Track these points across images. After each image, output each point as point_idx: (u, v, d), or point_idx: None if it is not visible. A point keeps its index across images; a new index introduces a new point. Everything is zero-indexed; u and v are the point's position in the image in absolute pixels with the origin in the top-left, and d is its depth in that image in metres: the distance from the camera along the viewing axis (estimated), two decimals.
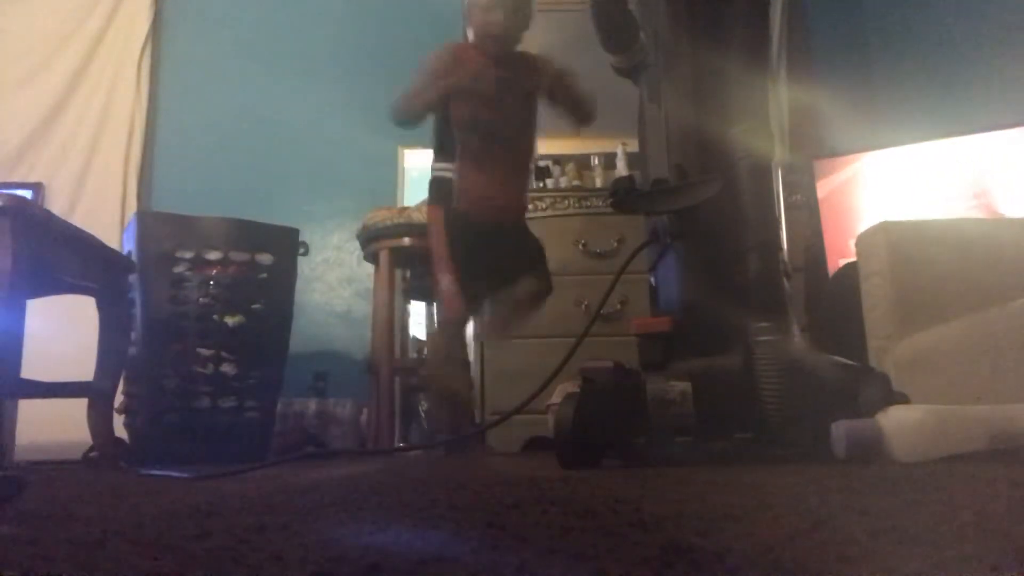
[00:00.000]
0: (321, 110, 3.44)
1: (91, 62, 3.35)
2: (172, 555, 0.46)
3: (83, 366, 1.91)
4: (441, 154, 1.98)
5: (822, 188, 2.63)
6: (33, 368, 1.65)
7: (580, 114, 2.03)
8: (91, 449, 1.98)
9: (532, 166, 2.02)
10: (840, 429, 1.10)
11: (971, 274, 1.61)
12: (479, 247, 1.89)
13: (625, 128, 2.50)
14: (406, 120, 1.98)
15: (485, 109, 1.90)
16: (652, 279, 1.48)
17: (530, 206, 2.67)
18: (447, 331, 2.00)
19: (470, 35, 2.05)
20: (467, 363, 2.11)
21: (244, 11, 3.55)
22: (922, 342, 1.56)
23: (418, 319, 3.02)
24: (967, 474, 0.85)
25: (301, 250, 2.38)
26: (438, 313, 2.16)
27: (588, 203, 2.74)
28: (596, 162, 3.07)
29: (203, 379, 2.16)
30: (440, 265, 1.92)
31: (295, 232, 2.38)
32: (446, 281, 1.91)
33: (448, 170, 1.95)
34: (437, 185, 1.97)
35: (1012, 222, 2.02)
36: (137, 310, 2.12)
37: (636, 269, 1.45)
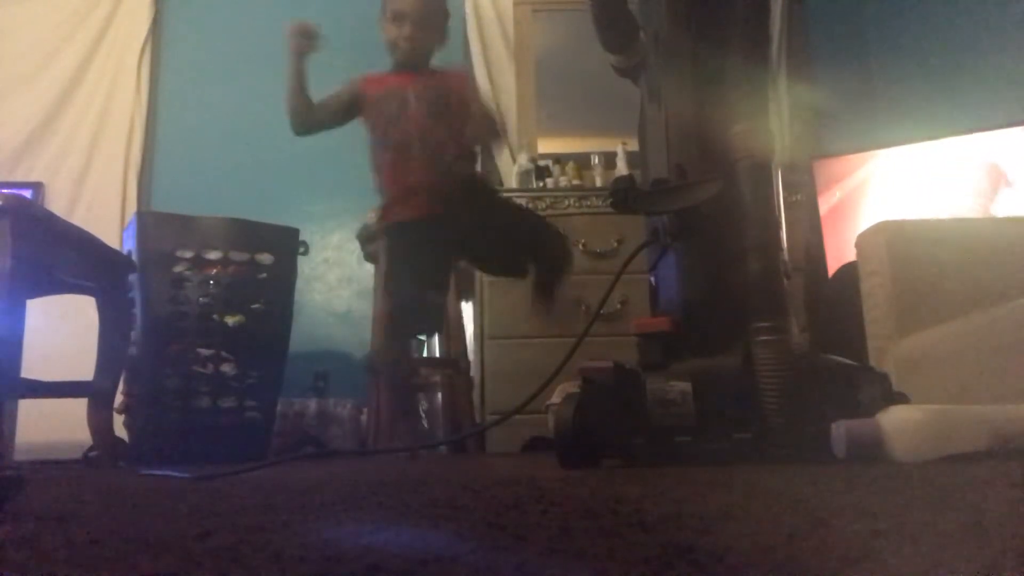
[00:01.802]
0: None
1: (91, 62, 3.35)
2: (172, 555, 0.46)
3: (83, 366, 1.91)
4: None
5: (822, 188, 2.63)
6: (33, 368, 1.66)
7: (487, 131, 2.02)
8: (91, 449, 1.98)
9: (462, 160, 1.93)
10: (840, 429, 1.10)
11: (971, 274, 1.61)
12: (413, 250, 1.88)
13: (625, 128, 2.51)
14: (301, 127, 2.10)
15: (388, 122, 1.92)
16: (652, 279, 1.48)
17: (529, 206, 2.67)
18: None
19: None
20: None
21: (244, 11, 3.55)
22: (922, 342, 1.56)
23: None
24: (967, 474, 0.85)
25: (301, 250, 2.38)
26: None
27: (588, 203, 2.74)
28: (596, 162, 3.07)
29: (203, 379, 2.16)
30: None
31: (295, 232, 2.38)
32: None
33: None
34: (364, 229, 2.00)
35: (1012, 222, 2.02)
36: (137, 310, 2.12)
37: (636, 269, 1.45)
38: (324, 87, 3.47)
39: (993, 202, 2.30)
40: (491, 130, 2.01)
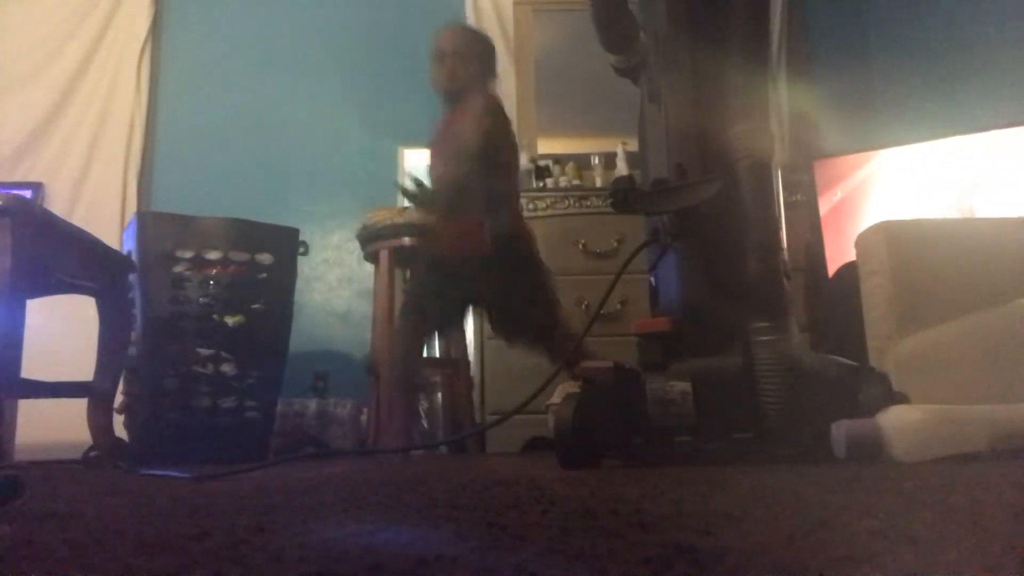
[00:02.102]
0: (321, 110, 3.44)
1: (91, 62, 3.35)
2: (172, 555, 0.46)
3: (83, 366, 1.91)
4: None
5: (822, 188, 2.63)
6: (33, 368, 1.65)
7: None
8: (91, 449, 1.98)
9: (488, 208, 1.96)
10: (840, 429, 1.10)
11: (971, 274, 1.61)
12: (445, 278, 1.95)
13: (625, 128, 2.51)
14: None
15: (435, 158, 2.04)
16: (652, 279, 1.48)
17: (529, 206, 2.67)
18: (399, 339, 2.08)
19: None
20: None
21: (244, 11, 3.55)
22: (922, 342, 1.56)
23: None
24: (967, 474, 0.85)
25: (301, 250, 2.38)
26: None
27: (588, 203, 2.74)
28: (596, 162, 3.07)
29: (203, 379, 2.16)
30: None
31: (295, 232, 2.38)
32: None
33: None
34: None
35: (1012, 222, 2.02)
36: (137, 310, 2.12)
37: (636, 269, 1.45)
38: (324, 88, 3.49)
39: (992, 202, 2.30)
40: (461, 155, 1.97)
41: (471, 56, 2.05)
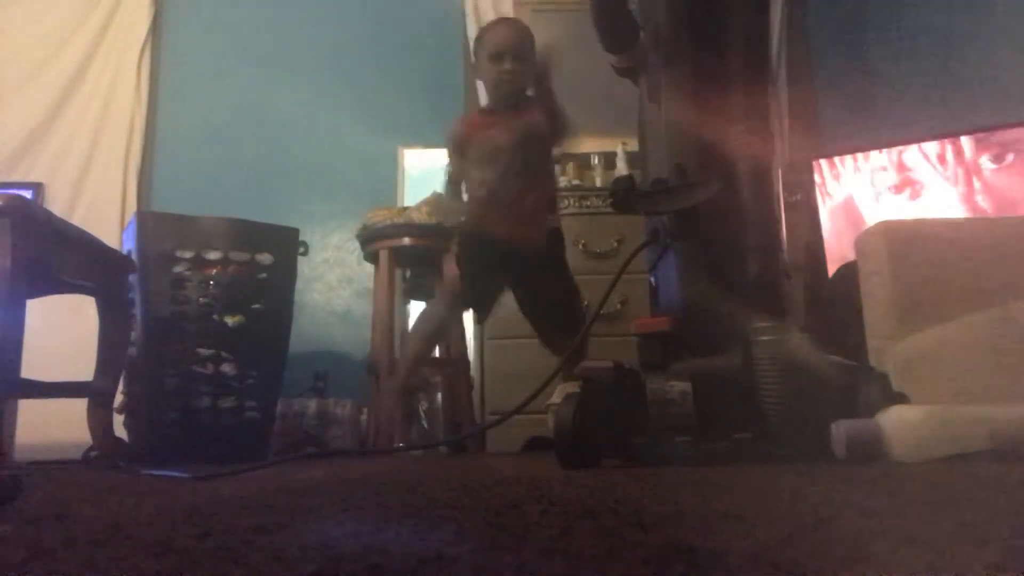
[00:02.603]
0: (321, 110, 3.44)
1: (91, 62, 3.36)
2: (172, 555, 0.46)
3: (83, 366, 1.91)
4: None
5: (822, 188, 2.63)
6: (33, 368, 1.65)
7: (554, 125, 2.06)
8: (91, 449, 1.98)
9: (546, 204, 2.06)
10: (840, 429, 1.10)
11: (971, 274, 1.61)
12: (484, 258, 2.00)
13: (625, 128, 2.51)
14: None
15: (490, 169, 1.99)
16: (652, 279, 1.48)
17: None
18: (437, 310, 2.14)
19: (480, 89, 2.11)
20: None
21: (244, 11, 3.55)
22: (922, 342, 1.56)
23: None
24: (967, 474, 0.85)
25: (301, 250, 2.38)
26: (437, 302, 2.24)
27: (588, 203, 2.74)
28: (596, 162, 3.07)
29: (203, 379, 2.16)
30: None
31: (295, 232, 2.38)
32: (450, 269, 2.14)
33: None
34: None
35: (1012, 222, 2.02)
36: (137, 310, 2.12)
37: (636, 269, 1.45)
38: (325, 89, 3.48)
39: (992, 202, 2.30)
40: (562, 127, 2.07)
41: (530, 61, 2.03)
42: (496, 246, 1.98)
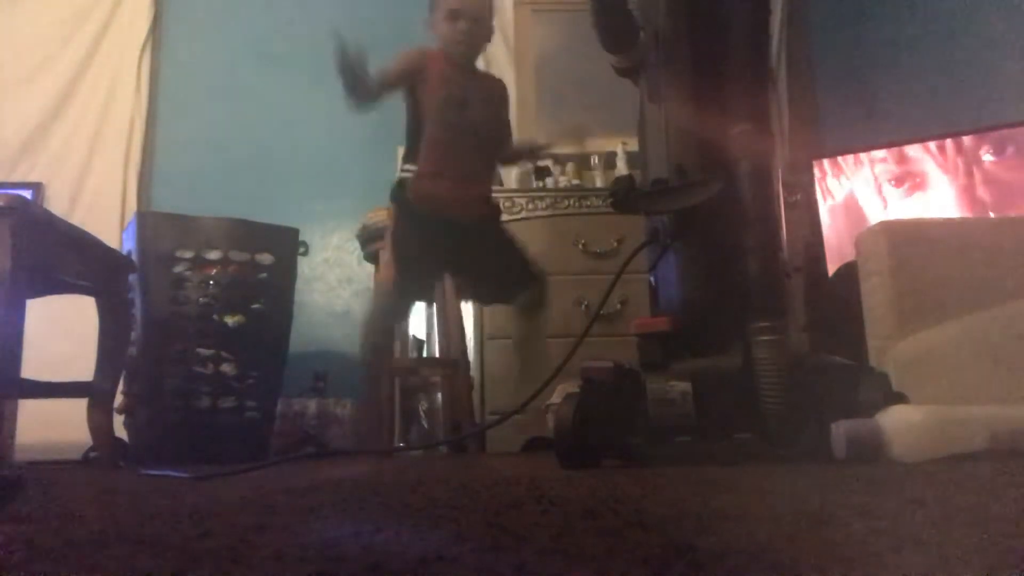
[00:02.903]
0: (321, 110, 3.44)
1: (91, 62, 3.35)
2: (172, 555, 0.46)
3: (83, 366, 1.91)
4: (410, 157, 2.00)
5: (822, 188, 2.63)
6: (33, 368, 1.65)
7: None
8: (91, 449, 1.98)
9: (494, 172, 2.09)
10: (840, 429, 1.10)
11: (971, 274, 1.61)
12: (426, 238, 1.95)
13: (625, 128, 2.51)
14: (360, 98, 1.98)
15: (451, 109, 1.94)
16: (652, 279, 1.48)
17: (529, 206, 2.67)
18: (378, 302, 2.12)
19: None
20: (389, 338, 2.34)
21: (244, 11, 3.55)
22: (922, 342, 1.56)
23: (418, 319, 3.02)
24: (967, 474, 0.85)
25: (301, 250, 2.38)
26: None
27: (588, 203, 2.73)
28: (596, 162, 3.07)
29: (203, 379, 2.16)
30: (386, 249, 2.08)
31: (295, 232, 2.38)
32: (385, 258, 2.09)
33: (412, 171, 1.98)
34: (399, 184, 2.00)
35: (1012, 222, 2.02)
36: (137, 310, 2.12)
37: (636, 269, 1.45)
38: (324, 89, 3.48)
39: (992, 202, 2.30)
40: (532, 153, 2.13)
41: (486, 25, 2.02)
42: (442, 223, 1.94)
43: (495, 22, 2.09)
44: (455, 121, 1.95)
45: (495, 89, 2.08)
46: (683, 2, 1.45)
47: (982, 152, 2.35)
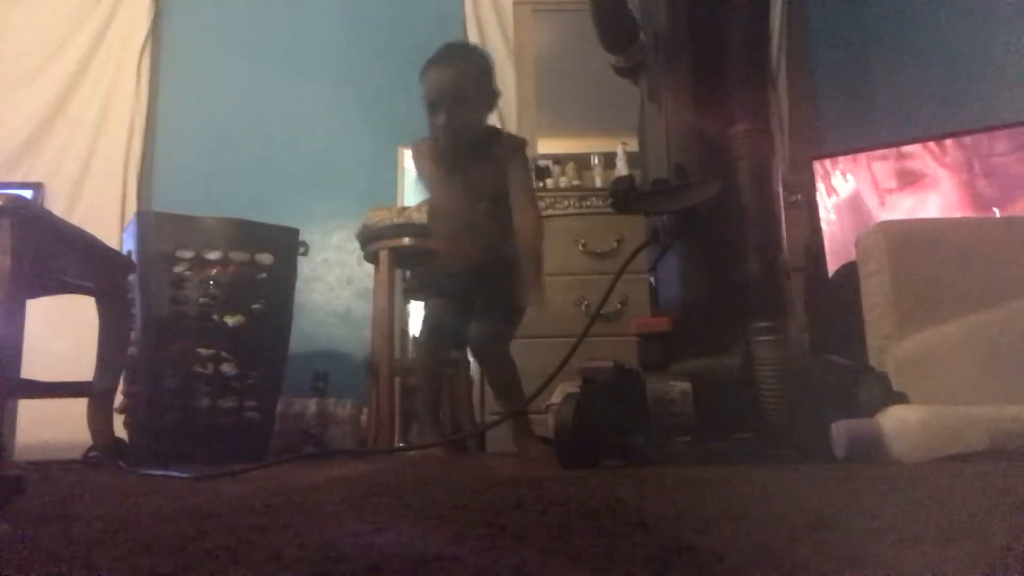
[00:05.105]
0: (321, 110, 3.44)
1: (91, 62, 3.35)
2: (172, 555, 0.46)
3: (83, 366, 1.91)
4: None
5: (822, 188, 2.63)
6: (33, 368, 1.65)
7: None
8: (91, 449, 1.98)
9: (504, 224, 1.99)
10: (840, 429, 1.10)
11: (971, 274, 1.61)
12: (452, 281, 2.02)
13: (625, 128, 2.51)
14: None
15: (447, 181, 1.96)
16: (652, 279, 1.48)
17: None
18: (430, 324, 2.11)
19: None
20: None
21: (244, 11, 3.55)
22: (922, 342, 1.56)
23: (418, 319, 3.02)
24: (967, 474, 0.85)
25: (301, 250, 2.38)
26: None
27: (588, 203, 2.74)
28: (596, 162, 3.07)
29: (203, 379, 2.16)
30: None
31: (295, 232, 2.37)
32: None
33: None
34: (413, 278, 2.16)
35: (1012, 222, 2.02)
36: (137, 310, 2.12)
37: (636, 269, 1.45)
38: (324, 89, 3.48)
39: (993, 202, 2.30)
40: (535, 241, 2.00)
41: (471, 100, 1.92)
42: (467, 273, 1.97)
43: (490, 82, 1.98)
44: (453, 191, 1.96)
45: (498, 150, 1.99)
46: (683, 2, 1.45)
47: (983, 151, 2.35)
